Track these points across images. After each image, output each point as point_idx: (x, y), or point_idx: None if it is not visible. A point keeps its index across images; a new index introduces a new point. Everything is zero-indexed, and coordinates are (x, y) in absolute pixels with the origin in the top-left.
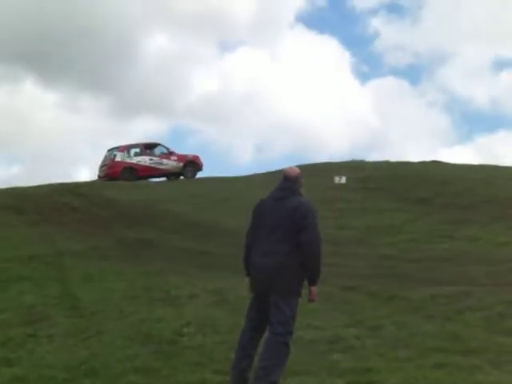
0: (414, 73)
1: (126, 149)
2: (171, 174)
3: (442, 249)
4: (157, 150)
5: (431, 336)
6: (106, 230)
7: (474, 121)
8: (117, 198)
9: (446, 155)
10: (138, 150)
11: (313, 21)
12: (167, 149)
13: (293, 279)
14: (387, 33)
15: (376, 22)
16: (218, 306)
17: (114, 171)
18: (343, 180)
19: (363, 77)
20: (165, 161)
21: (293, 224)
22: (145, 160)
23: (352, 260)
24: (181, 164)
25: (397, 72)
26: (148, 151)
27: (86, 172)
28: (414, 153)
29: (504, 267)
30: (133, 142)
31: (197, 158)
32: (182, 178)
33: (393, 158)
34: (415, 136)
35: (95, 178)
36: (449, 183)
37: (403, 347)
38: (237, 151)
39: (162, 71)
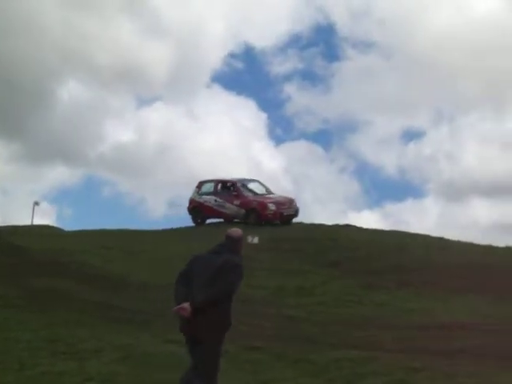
0: (324, 138)
1: (200, 185)
2: (233, 219)
3: (350, 313)
4: (230, 191)
5: None
6: (12, 278)
7: (383, 188)
8: (26, 246)
9: (354, 219)
10: (210, 188)
11: (230, 82)
12: (238, 189)
13: (213, 327)
14: (299, 98)
15: (289, 88)
16: (122, 361)
17: (188, 207)
18: (256, 240)
19: (277, 139)
20: (227, 204)
21: (217, 276)
22: (210, 200)
23: (259, 320)
24: (242, 210)
25: (308, 136)
26: (221, 190)
27: None
28: (324, 215)
29: (409, 333)
30: (220, 178)
31: (263, 205)
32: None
33: (303, 220)
34: (325, 199)
35: (4, 223)
36: (360, 247)
37: None
38: (149, 205)
39: (77, 120)
